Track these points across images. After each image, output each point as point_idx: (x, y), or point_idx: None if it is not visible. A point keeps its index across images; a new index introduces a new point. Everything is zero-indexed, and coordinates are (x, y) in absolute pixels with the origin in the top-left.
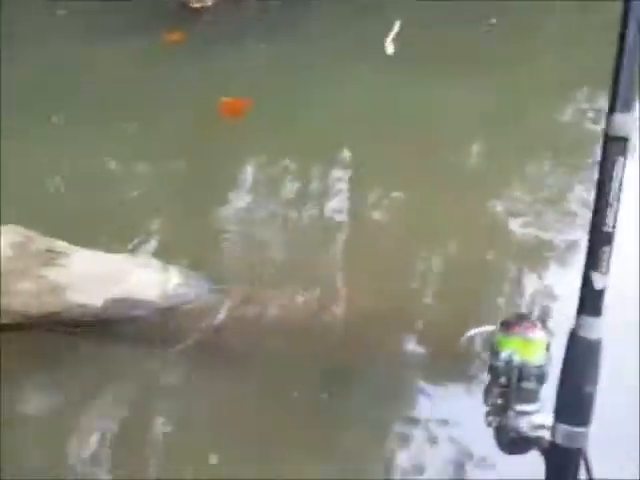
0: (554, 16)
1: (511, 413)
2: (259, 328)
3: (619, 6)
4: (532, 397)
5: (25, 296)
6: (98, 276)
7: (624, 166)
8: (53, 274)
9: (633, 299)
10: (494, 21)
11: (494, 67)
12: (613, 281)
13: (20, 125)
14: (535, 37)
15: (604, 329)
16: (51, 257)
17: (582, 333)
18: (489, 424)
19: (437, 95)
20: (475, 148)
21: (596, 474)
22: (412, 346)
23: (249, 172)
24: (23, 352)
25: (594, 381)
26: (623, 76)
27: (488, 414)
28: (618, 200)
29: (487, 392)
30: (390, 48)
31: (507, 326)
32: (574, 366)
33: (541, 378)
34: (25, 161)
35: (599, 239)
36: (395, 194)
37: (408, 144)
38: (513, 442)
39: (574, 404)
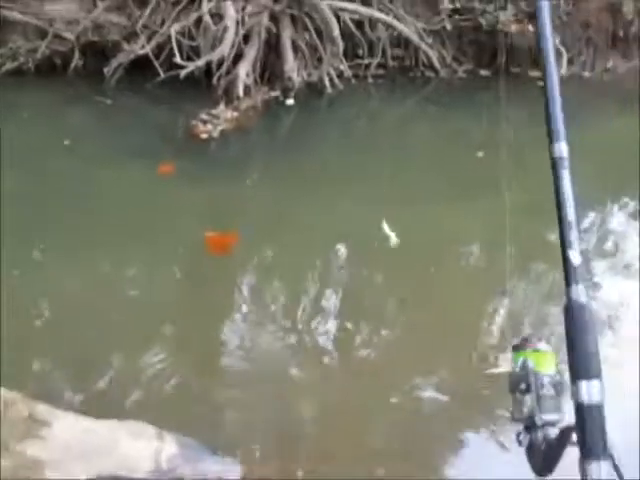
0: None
1: (537, 420)
2: None
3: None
4: (553, 406)
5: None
6: (82, 448)
7: (569, 175)
8: (32, 448)
9: None
10: (481, 154)
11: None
12: None
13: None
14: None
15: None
16: (31, 427)
17: (573, 297)
18: (520, 443)
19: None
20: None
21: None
22: None
23: (240, 319)
24: None
25: (593, 335)
26: (551, 114)
27: (519, 434)
28: (572, 197)
29: (513, 407)
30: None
31: (518, 344)
32: (575, 326)
33: (558, 386)
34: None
35: (566, 227)
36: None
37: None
38: (545, 458)
39: (583, 358)
